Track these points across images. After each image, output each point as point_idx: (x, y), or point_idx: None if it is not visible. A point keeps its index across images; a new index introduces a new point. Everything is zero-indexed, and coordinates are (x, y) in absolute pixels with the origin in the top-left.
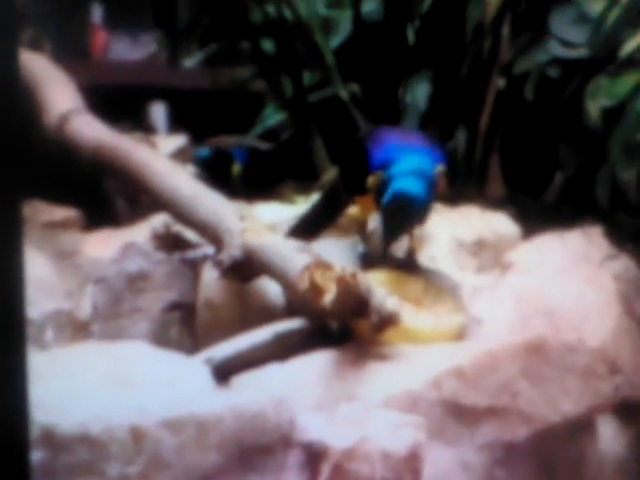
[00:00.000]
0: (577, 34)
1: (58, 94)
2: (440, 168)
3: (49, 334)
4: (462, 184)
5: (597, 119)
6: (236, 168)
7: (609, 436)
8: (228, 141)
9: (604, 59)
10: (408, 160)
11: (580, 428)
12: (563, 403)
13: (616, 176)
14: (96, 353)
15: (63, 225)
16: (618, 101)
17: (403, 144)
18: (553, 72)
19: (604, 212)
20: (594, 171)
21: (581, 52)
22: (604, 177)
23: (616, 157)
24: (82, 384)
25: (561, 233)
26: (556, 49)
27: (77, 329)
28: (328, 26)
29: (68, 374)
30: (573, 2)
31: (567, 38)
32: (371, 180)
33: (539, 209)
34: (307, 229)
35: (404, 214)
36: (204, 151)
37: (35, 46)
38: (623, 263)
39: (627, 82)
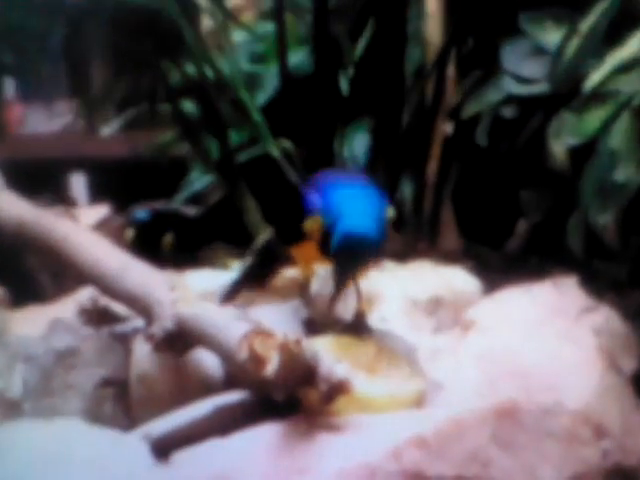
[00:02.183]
0: (533, 68)
1: None
2: (390, 210)
3: None
4: (411, 238)
5: (563, 160)
6: (168, 238)
7: None
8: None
9: (567, 94)
10: (353, 200)
11: None
12: (542, 471)
13: (589, 221)
14: (29, 432)
15: None
16: (586, 139)
17: (344, 184)
18: (508, 112)
19: (578, 261)
20: (563, 217)
21: (540, 88)
22: (576, 223)
23: (589, 200)
24: (17, 464)
25: (528, 286)
26: (510, 86)
27: (9, 408)
28: (253, 82)
29: (2, 454)
30: (525, 34)
31: (522, 73)
32: (310, 224)
33: (501, 261)
34: (239, 293)
35: (356, 257)
36: (142, 213)
37: None
38: (603, 315)
39: (595, 117)
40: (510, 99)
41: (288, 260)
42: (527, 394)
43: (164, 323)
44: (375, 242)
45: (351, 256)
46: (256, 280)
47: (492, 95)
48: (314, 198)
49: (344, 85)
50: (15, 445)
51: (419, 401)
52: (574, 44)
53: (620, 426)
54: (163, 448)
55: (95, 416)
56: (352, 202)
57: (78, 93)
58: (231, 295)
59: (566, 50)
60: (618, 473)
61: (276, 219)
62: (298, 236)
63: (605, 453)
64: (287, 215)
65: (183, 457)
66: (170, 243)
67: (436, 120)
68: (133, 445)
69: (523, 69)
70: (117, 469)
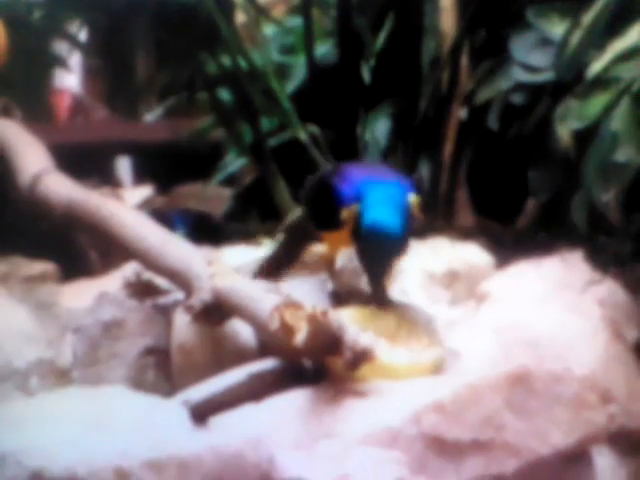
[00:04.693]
0: (540, 58)
1: (29, 157)
2: (413, 197)
3: (34, 382)
4: (429, 216)
5: (568, 142)
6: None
7: (607, 468)
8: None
9: (571, 81)
10: (378, 192)
11: (573, 460)
12: (552, 434)
13: (593, 199)
14: (78, 398)
15: (42, 278)
16: (589, 122)
17: (371, 177)
18: (517, 98)
19: (583, 237)
20: (568, 196)
21: (546, 76)
22: (581, 201)
23: (592, 180)
24: (67, 428)
25: (537, 261)
26: (519, 75)
27: (59, 376)
28: (283, 72)
29: (53, 419)
30: (533, 27)
31: (530, 63)
32: (346, 214)
33: (512, 237)
34: (272, 268)
35: (382, 248)
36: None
37: (6, 113)
38: (607, 287)
39: (597, 103)
40: (519, 86)
41: (316, 238)
42: (538, 362)
43: (202, 295)
44: (399, 234)
45: (378, 249)
46: (288, 257)
47: (502, 83)
48: (344, 188)
49: (366, 75)
50: (65, 411)
51: (438, 369)
52: (577, 35)
53: (625, 391)
54: (201, 413)
55: (138, 383)
56: (376, 194)
57: (122, 84)
58: (264, 271)
59: (570, 41)
60: (623, 436)
61: (304, 201)
62: (327, 220)
63: (611, 417)
64: (314, 198)
65: (220, 422)
66: None
67: (451, 106)
68: (173, 410)
69: (531, 59)
70: (158, 432)
